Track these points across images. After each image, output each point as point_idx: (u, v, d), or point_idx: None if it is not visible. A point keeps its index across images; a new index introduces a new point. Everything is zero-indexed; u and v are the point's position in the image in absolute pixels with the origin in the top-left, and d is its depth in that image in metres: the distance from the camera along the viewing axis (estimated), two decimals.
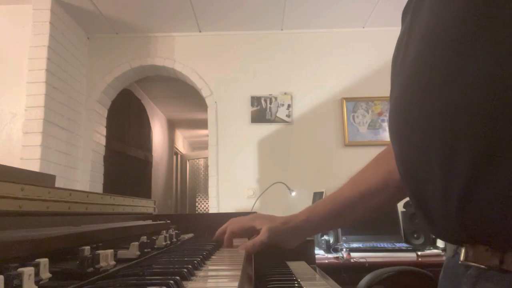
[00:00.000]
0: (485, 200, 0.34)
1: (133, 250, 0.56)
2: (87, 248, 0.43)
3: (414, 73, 0.41)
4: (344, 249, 2.17)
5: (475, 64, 0.34)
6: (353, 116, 3.30)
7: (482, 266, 0.37)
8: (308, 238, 0.88)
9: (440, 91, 0.37)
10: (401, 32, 0.48)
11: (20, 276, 0.30)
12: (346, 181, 0.72)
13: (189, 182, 6.75)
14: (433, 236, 2.25)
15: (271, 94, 3.33)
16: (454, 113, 0.35)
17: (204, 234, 1.04)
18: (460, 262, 0.40)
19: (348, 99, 3.31)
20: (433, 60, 0.38)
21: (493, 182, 0.33)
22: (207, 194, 3.67)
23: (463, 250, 0.40)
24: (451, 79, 0.36)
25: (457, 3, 0.36)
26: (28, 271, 0.31)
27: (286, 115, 3.30)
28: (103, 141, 3.49)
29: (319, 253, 2.31)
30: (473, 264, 0.38)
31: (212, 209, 3.23)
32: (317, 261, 0.98)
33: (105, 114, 3.53)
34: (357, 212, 0.71)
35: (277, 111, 3.31)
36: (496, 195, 0.33)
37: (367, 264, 2.00)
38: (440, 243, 2.29)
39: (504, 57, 0.32)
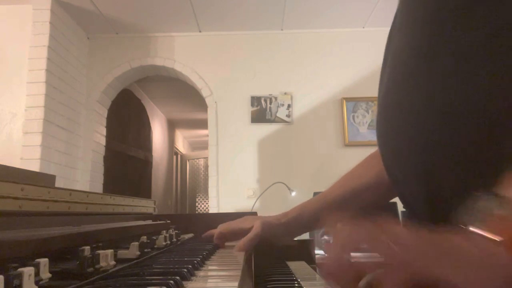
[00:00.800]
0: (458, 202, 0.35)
1: (133, 250, 0.56)
2: (87, 248, 0.43)
3: (387, 94, 0.45)
4: None
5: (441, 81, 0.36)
6: (353, 116, 3.30)
7: None
8: (308, 238, 0.88)
9: (406, 105, 0.40)
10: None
11: (20, 276, 0.30)
12: (338, 179, 0.73)
13: (189, 182, 6.75)
14: None
15: (271, 94, 3.33)
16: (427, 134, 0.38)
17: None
18: None
19: (348, 99, 3.31)
20: (401, 76, 0.41)
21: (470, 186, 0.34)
22: (207, 194, 3.67)
23: None
24: (418, 96, 0.39)
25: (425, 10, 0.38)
26: (28, 271, 0.31)
27: (286, 115, 3.30)
28: (103, 141, 3.49)
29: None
30: None
31: (212, 209, 3.23)
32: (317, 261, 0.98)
33: (105, 114, 3.53)
34: (348, 210, 0.71)
35: (277, 111, 3.31)
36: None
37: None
38: None
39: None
